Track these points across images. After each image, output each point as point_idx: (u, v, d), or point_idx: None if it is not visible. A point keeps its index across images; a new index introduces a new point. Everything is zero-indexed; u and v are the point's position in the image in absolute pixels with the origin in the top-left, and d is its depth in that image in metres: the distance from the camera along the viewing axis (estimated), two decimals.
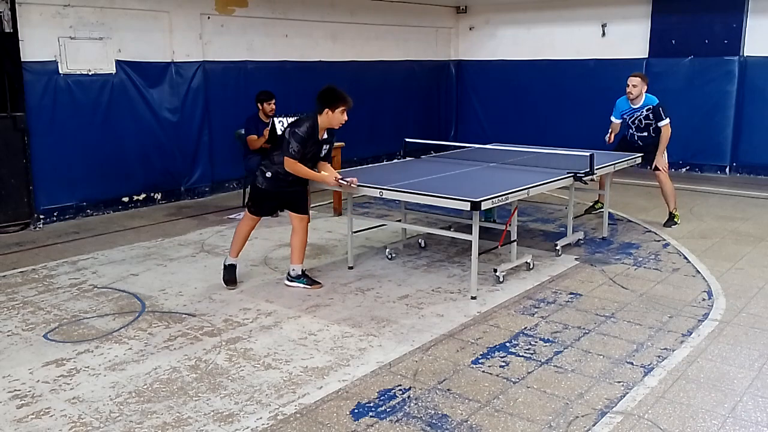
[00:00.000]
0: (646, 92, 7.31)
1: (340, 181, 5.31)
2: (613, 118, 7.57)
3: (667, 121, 7.26)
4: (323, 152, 5.36)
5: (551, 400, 3.64)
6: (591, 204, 8.03)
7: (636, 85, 7.23)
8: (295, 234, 5.46)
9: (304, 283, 5.45)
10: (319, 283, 5.49)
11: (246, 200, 5.50)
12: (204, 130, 9.12)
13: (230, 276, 5.51)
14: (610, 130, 7.60)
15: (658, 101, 7.30)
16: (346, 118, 5.18)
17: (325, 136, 5.28)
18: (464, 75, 13.29)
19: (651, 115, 7.26)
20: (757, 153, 10.37)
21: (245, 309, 5.01)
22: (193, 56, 8.91)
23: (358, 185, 5.39)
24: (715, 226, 7.43)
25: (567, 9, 11.82)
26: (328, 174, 5.35)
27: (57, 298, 5.29)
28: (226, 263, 5.55)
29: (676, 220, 7.44)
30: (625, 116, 7.47)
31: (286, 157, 5.09)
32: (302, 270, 5.50)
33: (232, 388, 3.79)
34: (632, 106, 7.34)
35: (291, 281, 5.49)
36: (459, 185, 5.52)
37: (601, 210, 7.23)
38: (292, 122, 5.27)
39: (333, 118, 5.10)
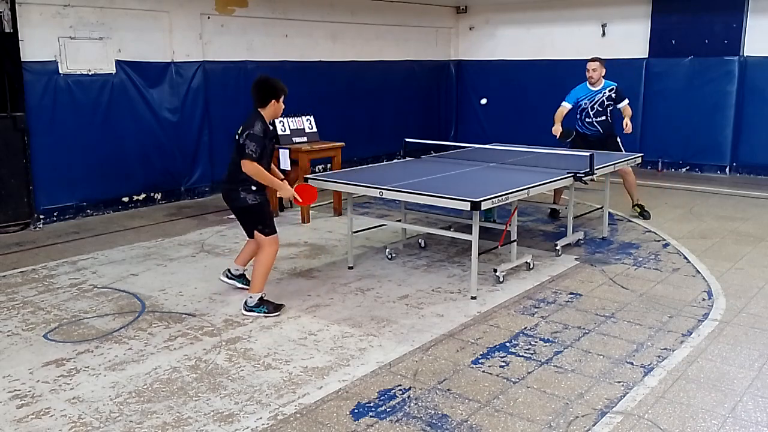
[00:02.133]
0: (604, 77, 7.65)
1: (296, 198, 5.11)
2: (565, 102, 7.74)
3: (627, 101, 7.61)
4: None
5: (551, 400, 3.64)
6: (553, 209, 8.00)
7: (596, 69, 7.57)
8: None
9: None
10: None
11: (254, 226, 5.02)
12: (204, 130, 9.12)
13: (277, 306, 5.02)
14: (555, 120, 7.67)
15: (617, 84, 7.64)
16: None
17: (271, 127, 5.22)
18: (464, 75, 13.29)
19: (613, 95, 7.56)
20: (757, 153, 10.38)
21: None
22: (193, 56, 8.91)
23: (359, 185, 5.48)
24: (715, 226, 7.43)
25: (567, 9, 11.81)
26: (286, 186, 5.05)
27: (57, 298, 5.29)
28: (266, 297, 5.04)
29: (645, 209, 7.82)
30: (583, 101, 7.65)
31: (245, 161, 4.70)
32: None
33: (232, 388, 3.79)
34: (592, 89, 7.61)
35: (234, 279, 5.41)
36: (459, 185, 5.52)
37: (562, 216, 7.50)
38: (243, 126, 4.89)
39: (278, 108, 4.97)
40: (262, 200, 4.96)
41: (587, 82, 7.63)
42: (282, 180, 5.09)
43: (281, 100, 4.98)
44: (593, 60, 7.61)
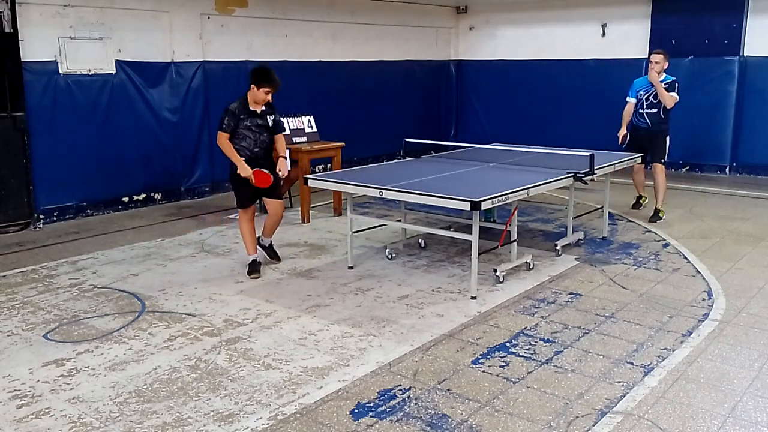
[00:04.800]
0: (666, 71, 7.73)
1: (252, 177, 5.62)
2: (628, 98, 7.94)
3: (677, 96, 7.62)
4: (270, 123, 5.74)
5: (551, 400, 3.64)
6: (636, 199, 8.38)
7: (658, 61, 7.62)
8: (271, 218, 5.97)
9: (267, 255, 6.10)
10: (278, 259, 6.17)
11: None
12: (204, 130, 9.12)
13: (253, 268, 5.84)
14: (623, 117, 7.93)
15: (675, 78, 7.72)
16: (269, 98, 5.62)
17: (263, 108, 5.69)
18: (464, 75, 13.29)
19: (667, 88, 7.61)
20: (757, 153, 10.38)
21: (245, 309, 5.01)
22: (193, 56, 8.91)
23: (359, 185, 5.52)
24: (715, 226, 7.43)
25: (567, 9, 11.82)
26: (243, 164, 5.61)
27: (57, 298, 5.29)
28: (249, 260, 5.89)
29: (661, 215, 7.76)
30: (640, 93, 7.79)
31: (218, 132, 5.59)
32: (270, 242, 6.12)
33: (232, 388, 3.79)
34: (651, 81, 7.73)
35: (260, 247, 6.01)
36: (459, 185, 5.52)
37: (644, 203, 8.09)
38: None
39: (256, 95, 5.54)
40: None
41: (648, 75, 7.71)
42: (283, 158, 5.83)
43: (260, 90, 5.51)
44: (657, 53, 7.67)
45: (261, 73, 5.53)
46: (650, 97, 7.71)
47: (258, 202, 6.24)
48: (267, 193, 5.81)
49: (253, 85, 5.51)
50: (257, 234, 5.99)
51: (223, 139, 5.57)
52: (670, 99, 7.56)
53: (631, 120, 7.90)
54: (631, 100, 7.87)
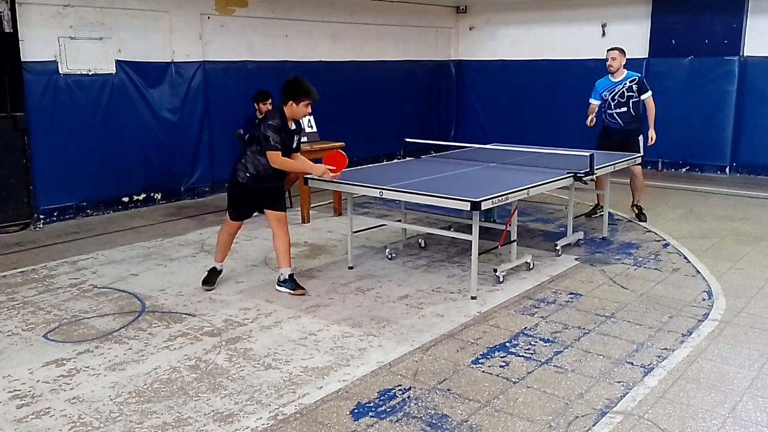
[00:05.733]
0: (625, 67, 7.51)
1: (330, 172, 5.39)
2: (591, 100, 7.70)
3: (650, 93, 7.45)
4: (295, 143, 5.24)
5: (551, 400, 3.64)
6: (591, 207, 7.95)
7: (615, 57, 7.42)
8: (276, 238, 5.32)
9: (288, 288, 5.30)
10: (303, 288, 5.31)
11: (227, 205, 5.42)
12: (204, 130, 9.12)
13: (210, 278, 5.50)
14: (588, 114, 7.68)
15: (641, 75, 7.46)
16: (309, 110, 5.14)
17: (293, 126, 5.17)
18: (464, 75, 13.29)
19: (634, 87, 7.39)
20: (757, 153, 10.38)
21: (245, 309, 5.01)
22: (193, 56, 8.91)
23: (359, 185, 5.50)
24: (715, 226, 7.43)
25: (567, 9, 11.82)
26: (316, 165, 5.38)
27: (57, 298, 5.29)
28: (210, 267, 5.58)
29: (642, 211, 7.70)
30: (604, 94, 7.54)
31: (269, 153, 4.96)
32: (289, 274, 5.34)
33: (232, 388, 3.79)
34: (612, 80, 7.49)
35: (280, 286, 5.37)
36: (459, 185, 5.52)
37: (602, 213, 7.20)
38: (261, 118, 5.27)
39: (296, 110, 5.02)
40: (248, 183, 5.16)
41: (609, 74, 7.50)
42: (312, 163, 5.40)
43: (300, 104, 5.00)
44: (613, 49, 7.47)
45: (297, 85, 5.00)
46: (616, 97, 7.44)
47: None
48: (269, 204, 5.32)
49: (291, 101, 4.97)
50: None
51: (277, 158, 4.98)
52: (653, 105, 7.45)
53: (602, 121, 7.64)
54: (595, 102, 7.63)
